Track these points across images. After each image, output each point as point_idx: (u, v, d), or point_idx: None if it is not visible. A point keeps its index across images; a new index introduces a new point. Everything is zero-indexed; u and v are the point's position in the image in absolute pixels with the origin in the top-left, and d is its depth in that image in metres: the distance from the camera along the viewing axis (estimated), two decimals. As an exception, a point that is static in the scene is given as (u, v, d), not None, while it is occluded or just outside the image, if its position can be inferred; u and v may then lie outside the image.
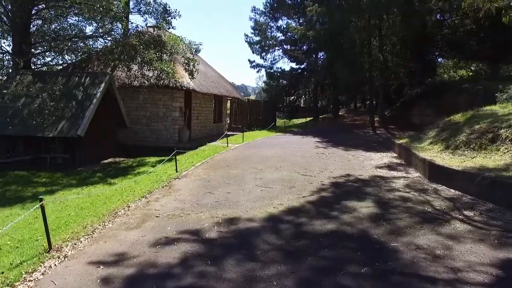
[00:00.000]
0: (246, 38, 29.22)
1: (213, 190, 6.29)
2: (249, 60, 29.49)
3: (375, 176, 7.43)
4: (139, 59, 9.64)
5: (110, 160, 10.54)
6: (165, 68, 9.81)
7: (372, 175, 7.53)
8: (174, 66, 11.10)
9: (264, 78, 31.20)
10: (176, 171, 8.01)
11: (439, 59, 29.00)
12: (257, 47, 29.44)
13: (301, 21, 27.38)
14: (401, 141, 10.94)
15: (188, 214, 4.90)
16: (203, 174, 7.83)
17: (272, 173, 7.80)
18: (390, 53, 21.35)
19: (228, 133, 18.46)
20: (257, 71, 29.77)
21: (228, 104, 19.99)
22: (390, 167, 8.62)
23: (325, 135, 17.06)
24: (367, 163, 9.17)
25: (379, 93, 22.09)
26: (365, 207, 5.19)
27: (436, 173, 6.86)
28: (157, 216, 4.83)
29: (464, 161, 7.03)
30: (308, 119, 31.90)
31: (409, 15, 17.90)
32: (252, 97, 49.39)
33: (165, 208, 5.23)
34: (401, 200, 5.60)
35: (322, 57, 29.74)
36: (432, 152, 8.36)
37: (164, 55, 10.39)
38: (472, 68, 31.82)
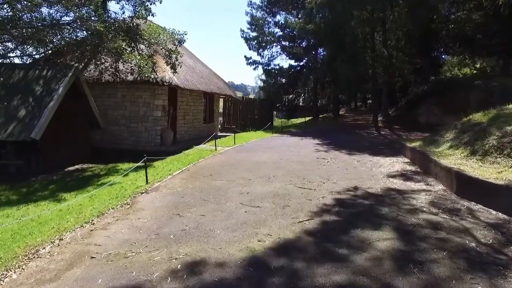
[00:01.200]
0: (242, 34, 27.81)
1: (184, 211, 4.89)
2: (245, 57, 28.21)
3: (389, 189, 6.03)
4: (105, 49, 8.16)
5: (77, 167, 9.14)
6: (138, 61, 8.40)
7: (385, 188, 6.13)
8: (154, 59, 9.71)
9: (263, 77, 29.78)
10: (147, 183, 6.61)
11: (443, 56, 27.67)
12: (254, 43, 28.02)
13: (300, 16, 25.95)
14: (413, 144, 9.55)
15: (137, 253, 3.50)
16: (179, 186, 6.44)
17: (263, 185, 6.41)
18: (395, 48, 19.95)
19: (220, 134, 17.07)
20: (254, 68, 28.37)
21: (221, 103, 18.62)
22: (404, 176, 7.23)
23: (326, 136, 15.66)
24: (377, 170, 7.78)
25: (383, 91, 20.70)
26: (384, 240, 3.80)
27: (467, 186, 5.47)
28: (92, 257, 3.43)
29: (500, 171, 5.63)
30: (307, 118, 30.49)
31: (416, 5, 16.50)
32: (252, 96, 47.89)
33: (110, 241, 3.83)
34: (429, 226, 4.21)
35: (322, 54, 28.37)
36: (454, 158, 6.97)
37: (142, 45, 8.99)
38: (477, 66, 30.47)
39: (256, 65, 28.27)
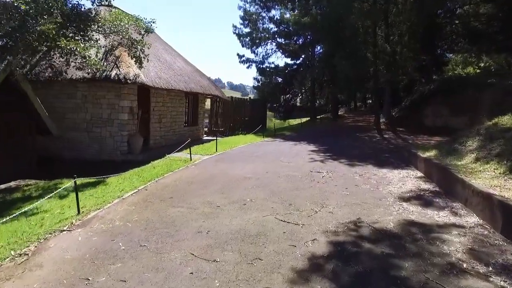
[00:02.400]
0: (235, 30, 26.16)
1: (100, 271, 3.22)
2: (238, 55, 26.49)
3: (405, 224, 4.38)
4: (32, 34, 6.44)
5: (12, 183, 7.44)
6: (81, 51, 6.70)
7: (400, 221, 4.47)
8: (116, 52, 8.05)
9: (257, 76, 28.09)
10: (78, 212, 4.93)
11: (447, 55, 26.06)
12: (247, 39, 26.37)
13: (296, 12, 24.28)
14: (427, 154, 7.89)
15: None
16: (121, 217, 4.77)
17: (234, 215, 4.75)
18: (398, 44, 18.30)
19: (206, 138, 15.40)
20: (248, 67, 26.66)
21: (209, 104, 16.96)
22: (421, 198, 5.57)
23: (323, 140, 14.01)
24: (385, 190, 6.12)
25: (385, 90, 19.05)
26: None
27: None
28: None
29: None
30: (304, 119, 28.86)
31: (422, -5, 14.87)
32: (251, 96, 45.84)
33: None
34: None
35: (319, 51, 26.79)
36: (488, 177, 5.32)
37: (97, 34, 7.33)
38: (481, 65, 28.88)
39: (250, 63, 26.65)
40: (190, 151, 9.12)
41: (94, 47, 7.57)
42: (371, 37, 17.69)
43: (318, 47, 25.68)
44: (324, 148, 11.70)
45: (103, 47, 8.49)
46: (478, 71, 27.07)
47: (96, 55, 8.10)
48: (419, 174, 7.50)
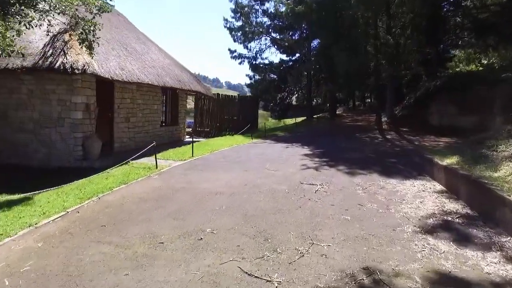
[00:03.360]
0: (226, 23, 24.54)
1: None
2: (229, 50, 24.83)
3: (440, 281, 2.79)
4: None
5: None
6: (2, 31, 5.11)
7: (431, 274, 2.89)
8: (65, 36, 6.40)
9: (250, 72, 26.43)
10: None
11: (451, 51, 24.58)
12: (239, 34, 24.76)
13: (289, 0, 22.69)
14: (446, 161, 6.30)
15: None
16: (3, 267, 3.16)
17: (177, 263, 3.16)
18: (401, 36, 16.76)
19: (188, 139, 13.77)
20: (240, 63, 25.10)
21: (191, 102, 15.36)
22: (451, 227, 4.01)
23: (319, 142, 12.43)
24: (398, 212, 4.54)
25: (387, 87, 17.51)
26: None
27: None
28: None
29: None
30: (300, 119, 27.31)
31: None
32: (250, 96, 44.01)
33: None
34: None
35: (316, 47, 25.24)
36: (547, 197, 3.75)
37: (26, 9, 5.71)
38: (484, 62, 27.41)
39: (242, 59, 25.06)
40: (156, 157, 7.50)
41: (32, 27, 5.95)
42: (372, 28, 16.14)
43: (315, 42, 24.10)
44: (320, 152, 10.12)
45: (48, 32, 6.85)
46: (480, 68, 25.65)
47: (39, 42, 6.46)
48: (438, 186, 5.92)
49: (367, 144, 12.28)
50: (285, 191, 5.60)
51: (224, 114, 16.22)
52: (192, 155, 9.13)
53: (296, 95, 30.09)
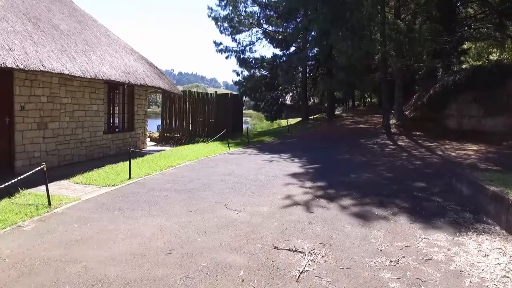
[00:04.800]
0: (210, 13, 21.67)
1: None
2: (214, 42, 21.96)
3: None
4: None
5: None
6: None
7: None
8: None
9: (237, 68, 23.51)
10: None
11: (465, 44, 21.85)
12: (226, 25, 21.91)
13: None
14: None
15: None
16: None
17: None
18: (413, 20, 13.98)
19: (149, 148, 10.92)
20: (226, 57, 22.10)
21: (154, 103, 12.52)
22: None
23: (314, 152, 9.66)
24: None
25: (396, 83, 14.73)
26: None
27: None
28: None
29: None
30: (295, 120, 24.56)
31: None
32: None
33: None
34: None
35: (314, 37, 22.43)
36: None
37: None
38: (492, 58, 24.75)
39: (229, 53, 22.17)
40: (46, 187, 4.65)
41: None
42: (378, 11, 13.34)
43: (313, 33, 21.26)
44: (314, 170, 7.32)
45: None
46: (485, 63, 23.03)
47: None
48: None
49: (376, 154, 9.47)
50: (236, 275, 2.79)
51: (199, 116, 13.32)
52: (129, 177, 6.31)
53: (291, 94, 27.27)
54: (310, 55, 24.67)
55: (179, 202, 4.85)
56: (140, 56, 10.41)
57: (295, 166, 7.57)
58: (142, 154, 9.14)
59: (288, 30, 23.31)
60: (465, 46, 22.16)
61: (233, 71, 22.26)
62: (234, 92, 21.76)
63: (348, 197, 5.08)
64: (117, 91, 9.65)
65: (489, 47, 23.86)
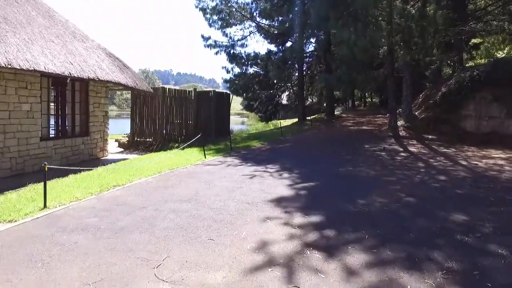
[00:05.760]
0: (198, 3, 19.79)
1: None
2: (202, 36, 20.05)
3: None
4: None
5: None
6: None
7: None
8: None
9: (227, 64, 21.57)
10: None
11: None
12: (216, 17, 20.07)
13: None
14: None
15: None
16: None
17: None
18: (425, 6, 12.13)
19: (111, 157, 9.05)
20: (216, 53, 20.16)
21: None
22: None
23: (310, 163, 7.81)
24: None
25: (404, 79, 12.90)
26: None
27: None
28: None
29: None
30: (291, 121, 22.75)
31: None
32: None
33: None
34: None
35: (311, 33, 20.59)
36: None
37: None
38: (499, 54, 22.98)
39: (219, 48, 20.27)
40: None
41: None
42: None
43: (311, 22, 19.36)
44: (307, 191, 5.47)
45: None
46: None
47: None
48: None
49: (386, 165, 7.62)
50: None
51: (175, 117, 11.38)
52: (45, 206, 4.45)
53: (287, 93, 25.41)
54: (307, 50, 22.90)
55: (86, 258, 3.00)
56: (96, 45, 8.52)
57: (283, 185, 5.72)
58: (96, 165, 7.27)
59: (285, 24, 21.48)
60: (475, 41, 20.40)
61: (223, 68, 20.34)
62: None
63: (357, 247, 3.24)
64: (66, 88, 7.78)
65: (501, 43, 22.06)
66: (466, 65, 17.95)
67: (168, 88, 11.32)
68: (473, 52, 18.94)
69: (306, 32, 18.57)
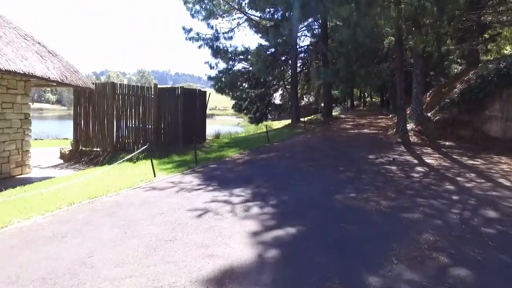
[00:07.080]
0: (178, -9, 17.59)
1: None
2: (183, 28, 17.86)
3: None
4: None
5: None
6: None
7: None
8: None
9: (211, 60, 19.32)
10: None
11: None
12: (199, 7, 17.88)
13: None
14: None
15: None
16: None
17: None
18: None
19: (28, 175, 6.82)
20: (199, 46, 17.95)
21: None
22: None
23: (294, 187, 5.61)
24: None
25: (413, 74, 10.74)
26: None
27: None
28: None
29: None
30: (284, 123, 20.66)
31: None
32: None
33: None
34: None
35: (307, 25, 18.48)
36: None
37: None
38: (506, 51, 20.90)
39: (203, 41, 18.07)
40: None
41: None
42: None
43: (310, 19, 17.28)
44: (281, 251, 3.28)
45: None
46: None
47: None
48: None
49: (403, 190, 5.42)
50: None
51: (129, 120, 9.06)
52: None
53: (281, 91, 23.25)
54: (302, 45, 20.77)
55: None
56: (25, 36, 6.25)
57: (243, 236, 3.54)
58: (16, 185, 5.08)
59: (277, 16, 19.31)
60: (486, 36, 18.32)
61: (206, 63, 18.07)
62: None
63: None
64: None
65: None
66: (481, 59, 15.89)
67: (120, 84, 9.09)
68: (488, 46, 16.82)
69: (302, 20, 16.40)
